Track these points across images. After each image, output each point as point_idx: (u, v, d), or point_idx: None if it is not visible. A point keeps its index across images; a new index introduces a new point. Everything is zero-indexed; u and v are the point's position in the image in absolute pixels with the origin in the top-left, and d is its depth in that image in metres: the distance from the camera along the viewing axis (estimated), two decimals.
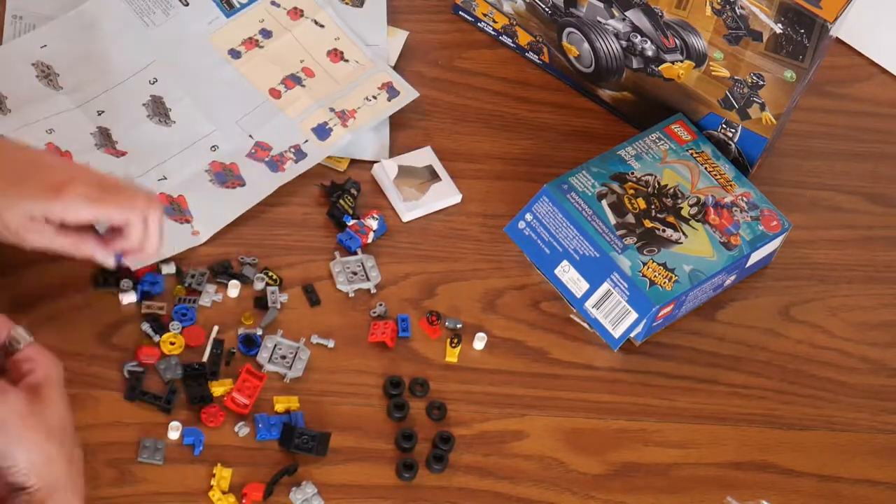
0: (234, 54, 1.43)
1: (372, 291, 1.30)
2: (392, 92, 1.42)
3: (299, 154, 1.37)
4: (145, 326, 1.24)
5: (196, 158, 1.36)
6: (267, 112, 1.40)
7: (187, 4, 1.45)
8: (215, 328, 1.26)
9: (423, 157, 1.40)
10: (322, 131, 1.38)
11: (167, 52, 1.42)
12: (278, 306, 1.28)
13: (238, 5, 1.46)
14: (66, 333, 1.23)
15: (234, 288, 1.28)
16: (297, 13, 1.46)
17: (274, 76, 1.42)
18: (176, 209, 1.32)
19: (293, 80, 1.42)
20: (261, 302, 1.29)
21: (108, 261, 1.22)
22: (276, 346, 1.26)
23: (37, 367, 1.06)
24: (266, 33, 1.44)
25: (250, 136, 1.38)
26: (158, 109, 1.38)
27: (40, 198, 1.16)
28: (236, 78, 1.41)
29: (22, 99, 1.36)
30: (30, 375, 1.05)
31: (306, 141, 1.38)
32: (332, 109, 1.40)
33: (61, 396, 1.06)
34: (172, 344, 1.24)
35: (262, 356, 1.25)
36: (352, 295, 1.29)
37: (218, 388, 1.23)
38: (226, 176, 1.35)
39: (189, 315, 1.26)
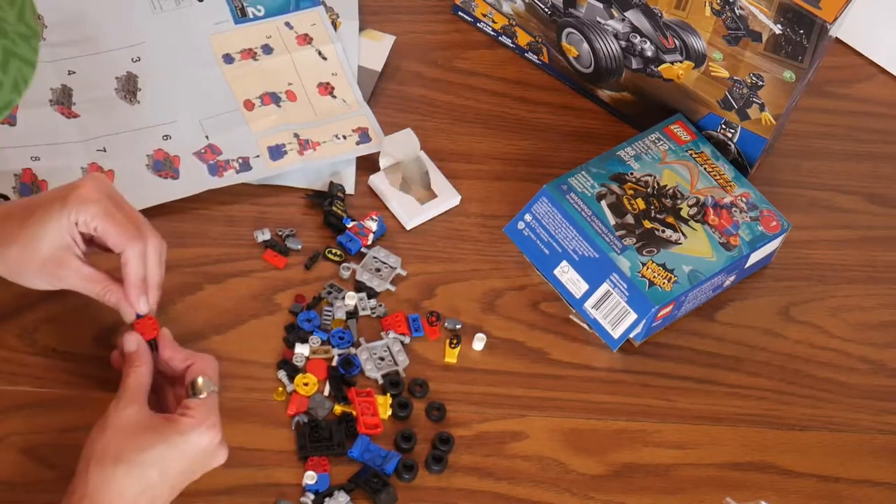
0: (228, 59, 1.41)
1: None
2: (363, 138, 1.38)
3: (244, 166, 1.34)
4: (281, 374, 1.24)
5: (144, 142, 1.34)
6: (232, 120, 1.37)
7: (202, 0, 1.44)
8: (335, 357, 1.26)
9: (407, 142, 1.38)
10: (277, 152, 1.35)
11: (162, 37, 1.41)
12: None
13: (252, 16, 1.44)
14: (66, 333, 1.23)
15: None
16: (305, 39, 1.43)
17: (255, 89, 1.40)
18: None
19: (272, 98, 1.39)
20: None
21: (132, 312, 1.17)
22: (370, 353, 1.26)
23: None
24: (267, 49, 1.42)
25: (206, 136, 1.36)
26: (128, 86, 1.37)
27: (52, 208, 1.13)
28: (219, 81, 1.40)
29: None
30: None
31: (257, 156, 1.35)
32: (296, 135, 1.37)
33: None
34: (306, 385, 1.23)
35: (369, 369, 1.25)
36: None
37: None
38: (163, 165, 1.33)
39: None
